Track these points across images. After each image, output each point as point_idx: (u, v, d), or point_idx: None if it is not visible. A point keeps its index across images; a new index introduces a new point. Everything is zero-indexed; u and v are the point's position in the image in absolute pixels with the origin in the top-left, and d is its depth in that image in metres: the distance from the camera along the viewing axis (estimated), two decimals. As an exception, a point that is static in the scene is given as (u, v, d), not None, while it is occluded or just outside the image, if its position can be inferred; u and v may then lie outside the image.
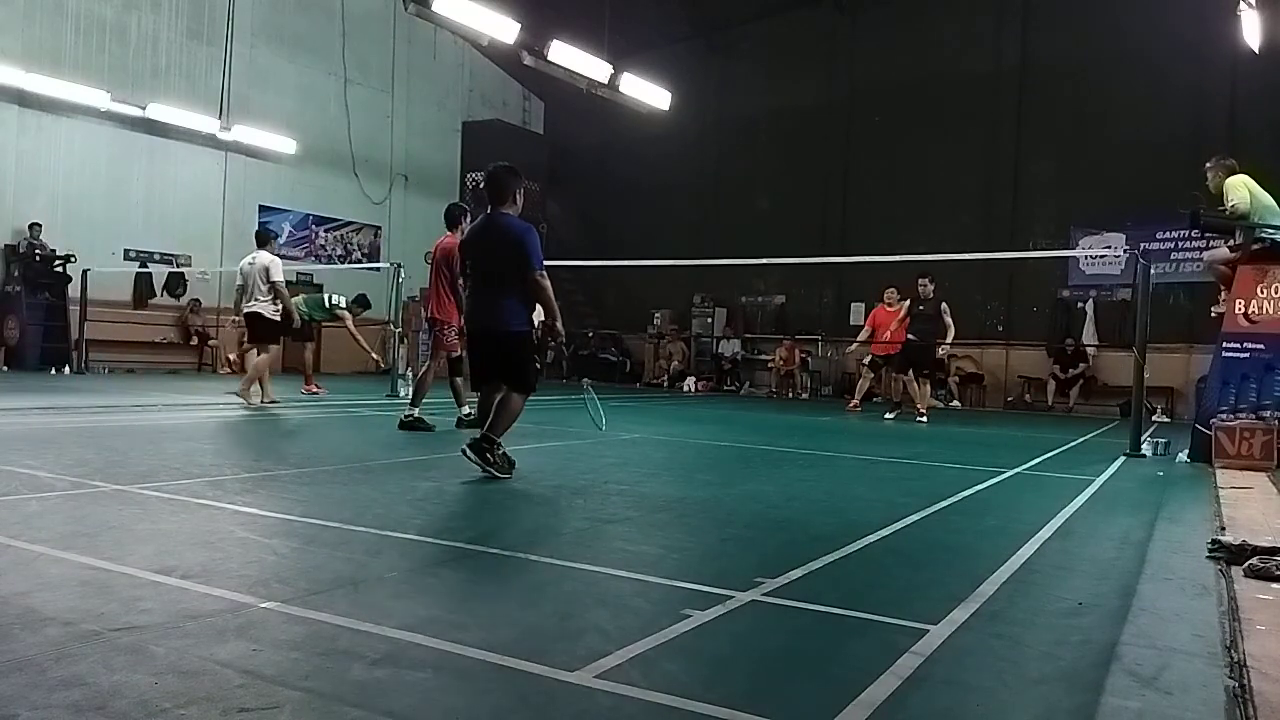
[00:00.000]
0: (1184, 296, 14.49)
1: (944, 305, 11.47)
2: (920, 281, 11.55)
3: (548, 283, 5.06)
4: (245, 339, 10.07)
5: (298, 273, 18.30)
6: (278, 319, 9.58)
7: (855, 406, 12.82)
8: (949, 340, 11.59)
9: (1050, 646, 2.40)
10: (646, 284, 20.21)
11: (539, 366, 5.39)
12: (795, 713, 1.90)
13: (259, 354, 9.67)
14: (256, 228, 13.10)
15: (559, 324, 5.21)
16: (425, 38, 20.19)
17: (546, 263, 5.11)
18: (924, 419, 11.20)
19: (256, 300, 9.45)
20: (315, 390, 11.44)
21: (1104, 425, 11.96)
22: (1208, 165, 7.68)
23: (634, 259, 15.14)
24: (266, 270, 9.47)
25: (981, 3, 17.14)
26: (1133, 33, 15.25)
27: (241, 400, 9.17)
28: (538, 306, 5.21)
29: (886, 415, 11.58)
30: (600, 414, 7.97)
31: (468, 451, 4.89)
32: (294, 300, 10.33)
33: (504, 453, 5.00)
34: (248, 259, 9.72)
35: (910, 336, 11.65)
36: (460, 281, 6.37)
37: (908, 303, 11.72)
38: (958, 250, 13.28)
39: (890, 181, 17.78)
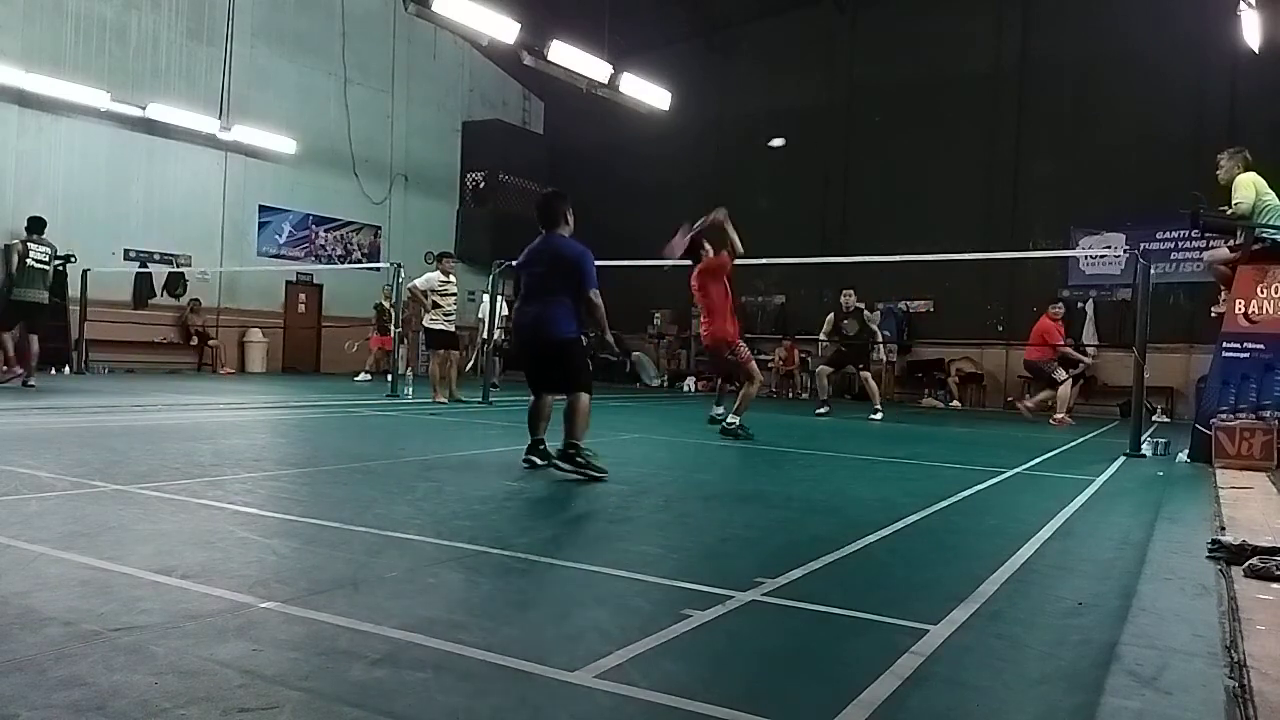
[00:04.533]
0: (1184, 296, 14.49)
1: (872, 315, 12.25)
2: (844, 293, 12.09)
3: (600, 301, 5.45)
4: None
5: (298, 273, 18.39)
6: (446, 328, 11.20)
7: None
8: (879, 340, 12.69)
9: (1050, 646, 2.40)
10: (647, 284, 20.17)
11: (591, 367, 5.70)
12: (795, 713, 1.90)
13: (434, 360, 11.39)
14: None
15: (609, 337, 5.79)
16: (425, 38, 20.19)
17: None
18: (878, 414, 11.49)
19: (430, 316, 11.13)
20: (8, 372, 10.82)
21: (1104, 425, 11.95)
22: (1223, 155, 7.49)
23: (634, 259, 15.11)
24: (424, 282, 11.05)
25: (981, 3, 17.12)
26: (1133, 32, 15.23)
27: (445, 401, 10.91)
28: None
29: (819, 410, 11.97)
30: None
31: (560, 464, 5.12)
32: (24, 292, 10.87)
33: (589, 453, 5.16)
34: (422, 279, 11.29)
35: (842, 348, 12.16)
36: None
37: (830, 316, 12.29)
38: (958, 250, 13.28)
39: (890, 181, 17.75)
